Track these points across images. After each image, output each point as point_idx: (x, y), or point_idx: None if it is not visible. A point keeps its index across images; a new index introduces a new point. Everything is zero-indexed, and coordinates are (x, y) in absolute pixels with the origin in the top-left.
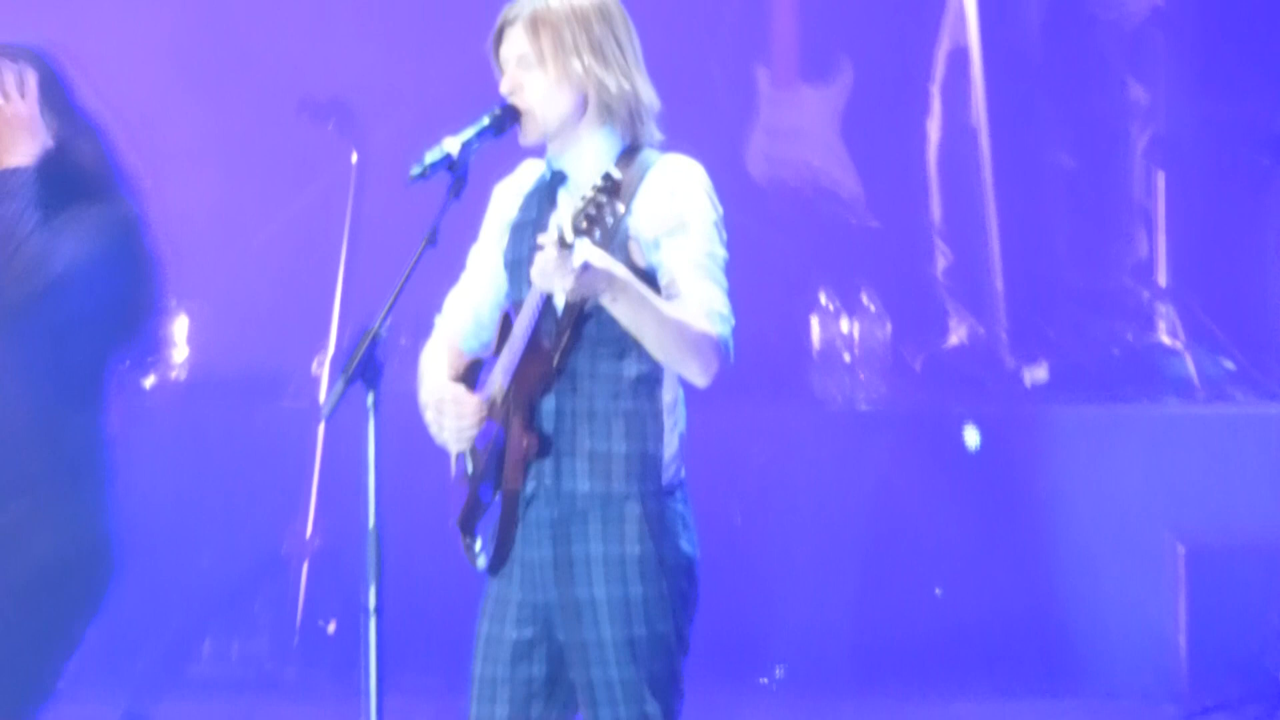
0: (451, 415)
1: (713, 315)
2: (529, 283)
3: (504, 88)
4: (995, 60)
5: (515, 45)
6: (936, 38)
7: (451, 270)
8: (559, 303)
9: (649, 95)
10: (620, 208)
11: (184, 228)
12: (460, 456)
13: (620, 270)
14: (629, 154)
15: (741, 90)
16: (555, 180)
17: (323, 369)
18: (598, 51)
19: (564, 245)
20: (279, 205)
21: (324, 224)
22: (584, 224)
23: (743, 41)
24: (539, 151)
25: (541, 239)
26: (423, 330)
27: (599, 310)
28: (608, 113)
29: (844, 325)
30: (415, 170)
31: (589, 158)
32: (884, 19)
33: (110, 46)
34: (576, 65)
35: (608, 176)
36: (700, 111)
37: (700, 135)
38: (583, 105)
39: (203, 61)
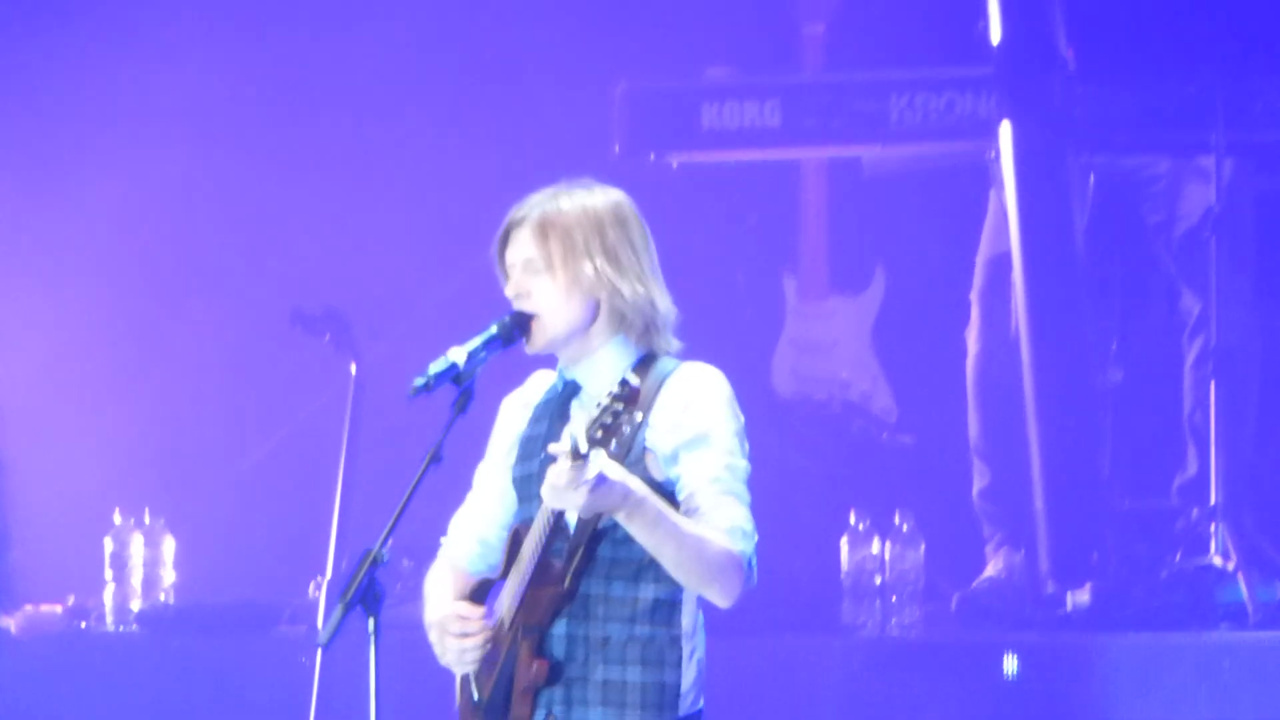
0: (455, 634)
1: (735, 532)
2: (539, 500)
3: (510, 291)
4: (1038, 267)
5: (522, 248)
6: (976, 244)
7: (457, 489)
8: (570, 520)
9: (665, 303)
10: (638, 416)
11: (172, 445)
12: (466, 683)
13: (636, 485)
14: (646, 362)
15: (767, 301)
16: (568, 391)
17: (320, 593)
18: (611, 256)
19: (578, 456)
20: (273, 421)
21: (321, 440)
22: (599, 434)
23: (769, 249)
24: (550, 362)
25: (554, 448)
26: (427, 553)
27: (613, 528)
28: (621, 320)
29: (875, 547)
30: (418, 382)
31: (603, 367)
32: (920, 225)
33: (103, 247)
34: (588, 270)
35: (624, 383)
36: (724, 323)
37: (724, 347)
38: (594, 312)
39: (191, 271)
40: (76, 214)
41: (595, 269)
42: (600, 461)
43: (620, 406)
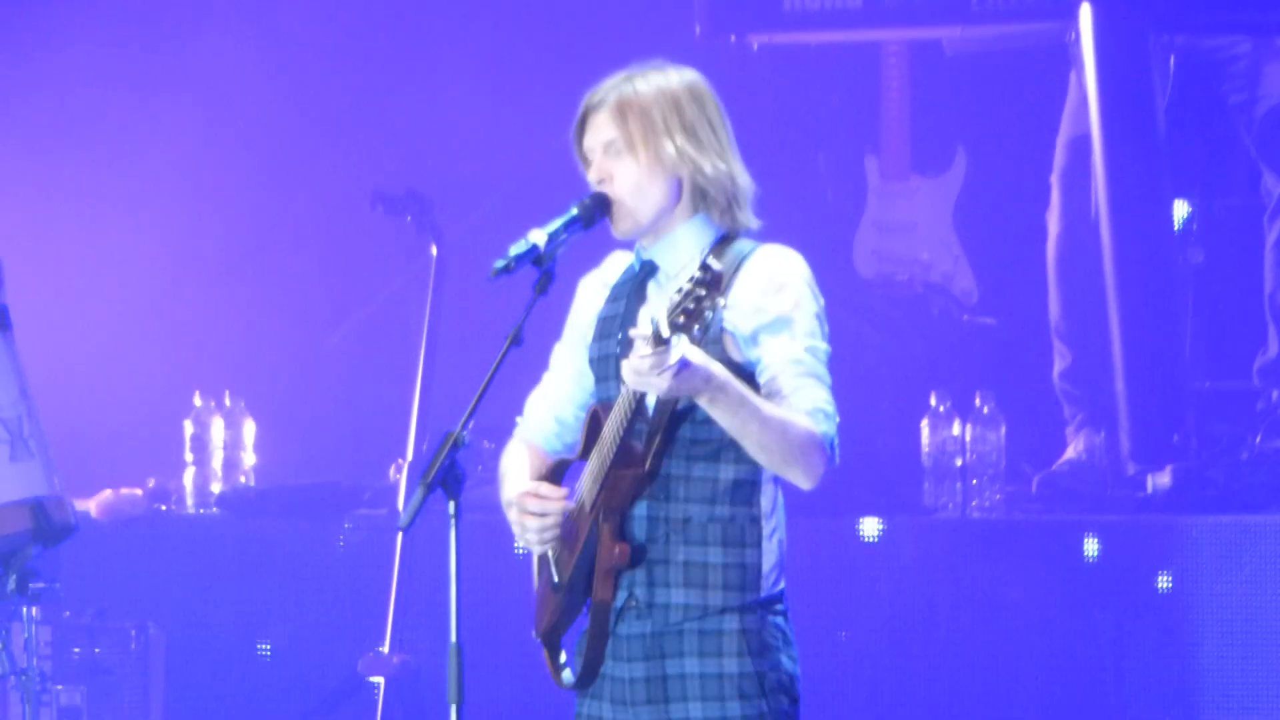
0: (534, 512)
1: (816, 413)
2: (617, 381)
3: (592, 176)
4: (1118, 149)
5: (601, 132)
6: (1056, 126)
7: (538, 371)
8: (651, 402)
9: (745, 179)
10: (720, 301)
11: (252, 328)
12: (545, 565)
13: (718, 369)
14: (724, 243)
15: (849, 181)
16: (645, 272)
17: (401, 476)
18: (690, 133)
19: (659, 341)
20: (354, 303)
21: (402, 322)
22: (681, 319)
23: (851, 130)
24: (626, 243)
25: (634, 333)
26: (507, 434)
27: (694, 410)
28: (703, 198)
29: (956, 429)
30: (499, 264)
31: (682, 247)
32: (1001, 106)
33: (183, 136)
34: (669, 148)
35: (706, 267)
36: (805, 204)
37: (805, 229)
38: (677, 191)
39: (273, 154)
40: (157, 101)
41: (676, 147)
42: (682, 346)
43: (703, 292)
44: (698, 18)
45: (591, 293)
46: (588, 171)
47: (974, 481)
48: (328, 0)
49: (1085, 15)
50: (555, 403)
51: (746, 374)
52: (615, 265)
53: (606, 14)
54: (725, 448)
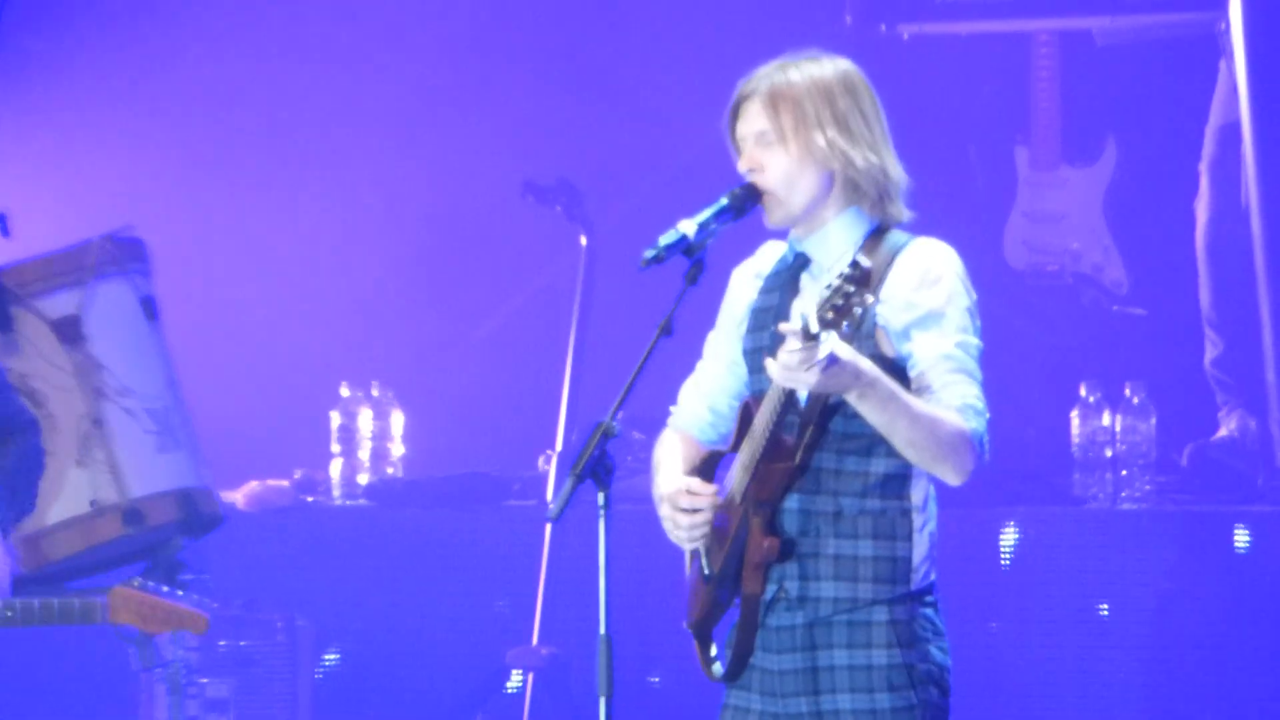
0: (685, 509)
1: (966, 410)
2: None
3: (742, 166)
4: (1269, 136)
5: (753, 121)
6: (1206, 114)
7: (688, 361)
8: (802, 396)
9: (897, 171)
10: (869, 298)
11: (401, 317)
12: (696, 557)
13: (867, 365)
14: (876, 236)
15: (999, 172)
16: (798, 264)
17: (550, 466)
18: (843, 125)
19: (809, 337)
20: (504, 294)
21: (552, 312)
22: (830, 315)
23: (1001, 121)
24: (779, 234)
25: (784, 328)
26: (658, 425)
27: (845, 404)
28: (855, 191)
29: (1106, 419)
30: (649, 254)
31: (835, 239)
32: (1151, 95)
33: (333, 124)
34: (820, 140)
35: (856, 264)
36: (955, 194)
37: (955, 219)
38: (829, 183)
39: (425, 143)
40: (306, 87)
41: (827, 139)
42: (831, 343)
43: (852, 288)
44: (849, 7)
45: (744, 283)
46: (739, 161)
47: (1124, 472)
48: None
49: (1235, 4)
50: (709, 392)
51: (899, 369)
52: (768, 255)
53: (759, 3)
54: (877, 442)
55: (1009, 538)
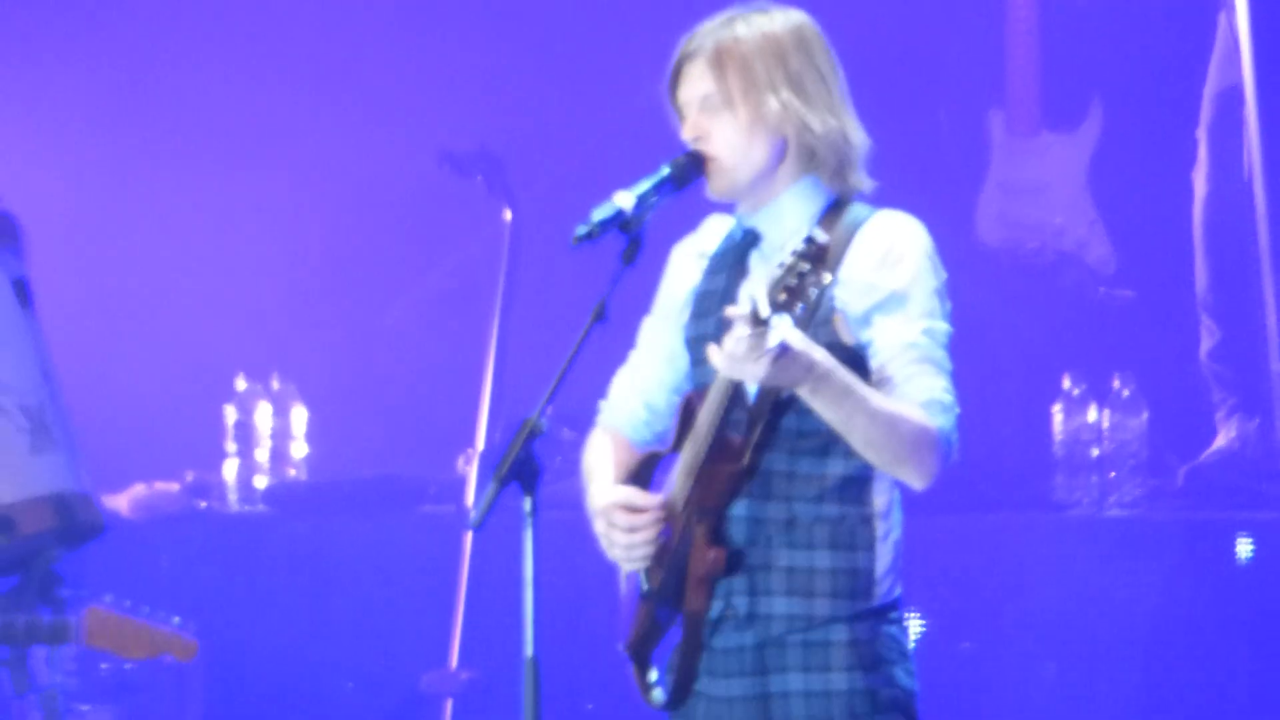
0: (623, 527)
1: (932, 405)
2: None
3: (686, 133)
4: (1275, 100)
5: (697, 84)
6: (1204, 76)
7: (624, 351)
8: (750, 389)
9: (859, 136)
10: (825, 277)
11: (303, 301)
12: (633, 571)
13: (821, 356)
14: (835, 209)
15: (971, 138)
16: (747, 241)
17: (470, 468)
18: (797, 86)
19: (758, 322)
20: (418, 275)
21: (472, 295)
22: (782, 297)
23: (973, 80)
24: (726, 207)
25: (730, 312)
26: (590, 423)
27: (798, 398)
28: (811, 158)
29: (1091, 415)
30: (581, 231)
31: (788, 213)
32: (1141, 53)
33: (219, 91)
34: (772, 103)
35: (810, 240)
36: (923, 163)
37: (922, 190)
38: (781, 150)
39: (327, 108)
40: (199, 61)
41: (780, 102)
42: (783, 328)
43: (806, 266)
44: None
45: (686, 263)
46: (682, 127)
47: (1112, 474)
48: None
49: None
50: (645, 386)
51: (858, 358)
52: (713, 232)
53: None
54: (835, 440)
55: (983, 548)
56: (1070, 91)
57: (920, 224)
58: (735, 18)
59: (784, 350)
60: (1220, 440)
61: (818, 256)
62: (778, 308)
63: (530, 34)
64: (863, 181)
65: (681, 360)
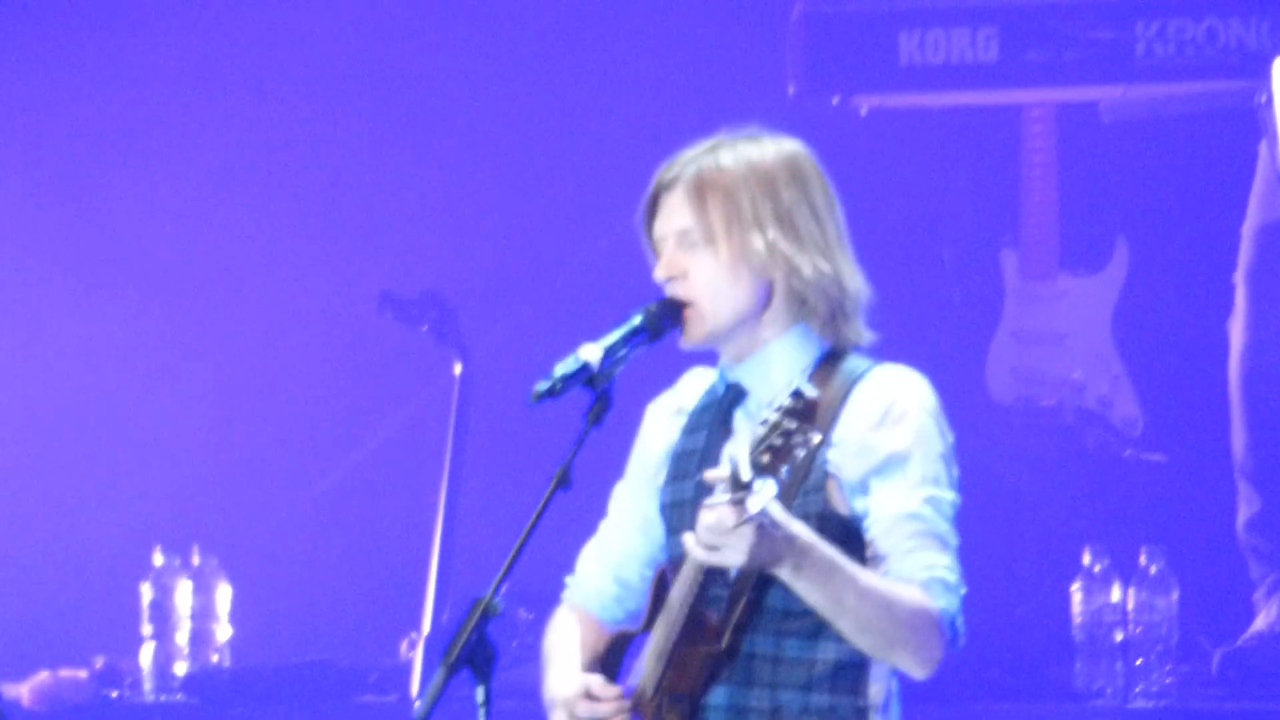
0: (584, 718)
1: (933, 585)
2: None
3: (660, 273)
4: None
5: (675, 217)
6: (1241, 211)
7: (590, 521)
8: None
9: (856, 282)
10: (815, 437)
11: (229, 466)
12: None
13: (800, 530)
14: (828, 362)
15: (982, 281)
16: (730, 396)
17: (416, 653)
18: (786, 224)
19: (738, 486)
20: (356, 435)
21: (417, 458)
22: (765, 458)
23: (984, 217)
24: (707, 358)
25: (709, 476)
26: (551, 602)
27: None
28: (800, 306)
29: (1115, 594)
30: (542, 387)
31: (776, 366)
32: (1172, 186)
33: (145, 227)
34: (758, 243)
35: (798, 394)
36: (927, 310)
37: (926, 342)
38: (766, 295)
39: (259, 249)
40: (113, 195)
41: (767, 241)
42: (766, 493)
43: (793, 424)
44: (792, 74)
45: (662, 421)
46: (656, 267)
47: (1139, 661)
48: (329, 69)
49: (1279, 72)
50: (616, 559)
51: (855, 530)
52: (693, 387)
53: (678, 69)
54: (826, 623)
55: None
56: (1092, 230)
57: (924, 379)
58: (720, 144)
59: (767, 522)
60: (1259, 622)
61: (806, 413)
62: (760, 470)
63: (483, 163)
64: (860, 333)
65: (656, 530)
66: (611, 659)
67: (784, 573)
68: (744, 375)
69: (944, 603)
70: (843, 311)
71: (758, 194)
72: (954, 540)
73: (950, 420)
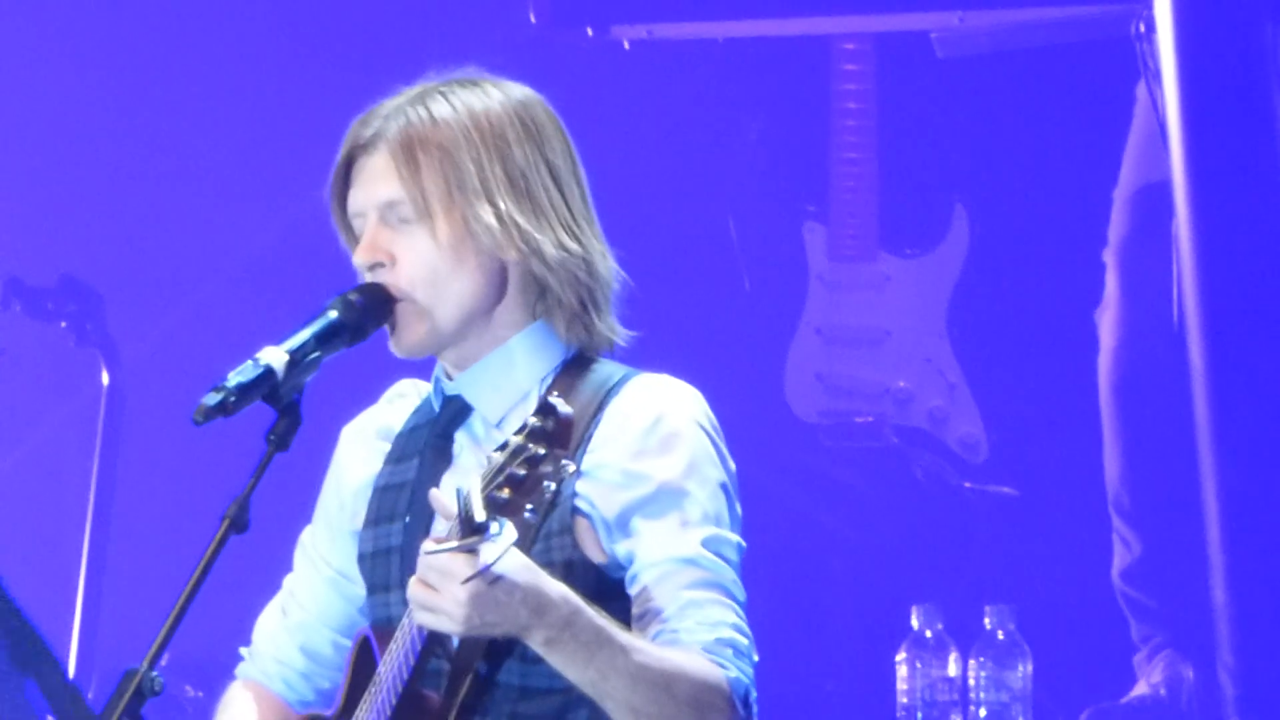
0: None
1: (720, 649)
2: (404, 592)
3: (361, 257)
4: (1215, 207)
5: (378, 186)
6: (1113, 172)
7: (275, 572)
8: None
9: (607, 264)
10: (569, 467)
11: None
12: None
13: (556, 591)
14: (573, 369)
15: (778, 263)
16: (449, 414)
17: None
18: (520, 190)
19: (470, 530)
20: None
21: (53, 490)
22: (505, 493)
23: (781, 180)
24: (419, 365)
25: (436, 504)
26: (225, 676)
27: (524, 644)
28: (540, 296)
29: (953, 667)
30: (212, 401)
31: (509, 375)
32: (1023, 140)
33: None
34: (487, 215)
35: (548, 410)
36: (705, 301)
37: (705, 342)
38: (499, 283)
39: None
40: None
41: (498, 213)
42: (506, 542)
43: (540, 449)
44: (532, 1)
45: (361, 448)
46: (353, 250)
47: None
48: None
49: None
50: (301, 623)
51: (612, 582)
52: (399, 405)
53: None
54: (575, 704)
55: None
56: (921, 197)
57: (695, 392)
58: (430, 92)
59: (498, 582)
60: (1141, 687)
61: (558, 436)
62: (499, 509)
63: (132, 118)
64: (614, 329)
65: (353, 586)
66: None
67: (535, 642)
68: (467, 387)
69: (735, 671)
70: (592, 302)
71: (484, 153)
72: (741, 594)
73: (735, 443)
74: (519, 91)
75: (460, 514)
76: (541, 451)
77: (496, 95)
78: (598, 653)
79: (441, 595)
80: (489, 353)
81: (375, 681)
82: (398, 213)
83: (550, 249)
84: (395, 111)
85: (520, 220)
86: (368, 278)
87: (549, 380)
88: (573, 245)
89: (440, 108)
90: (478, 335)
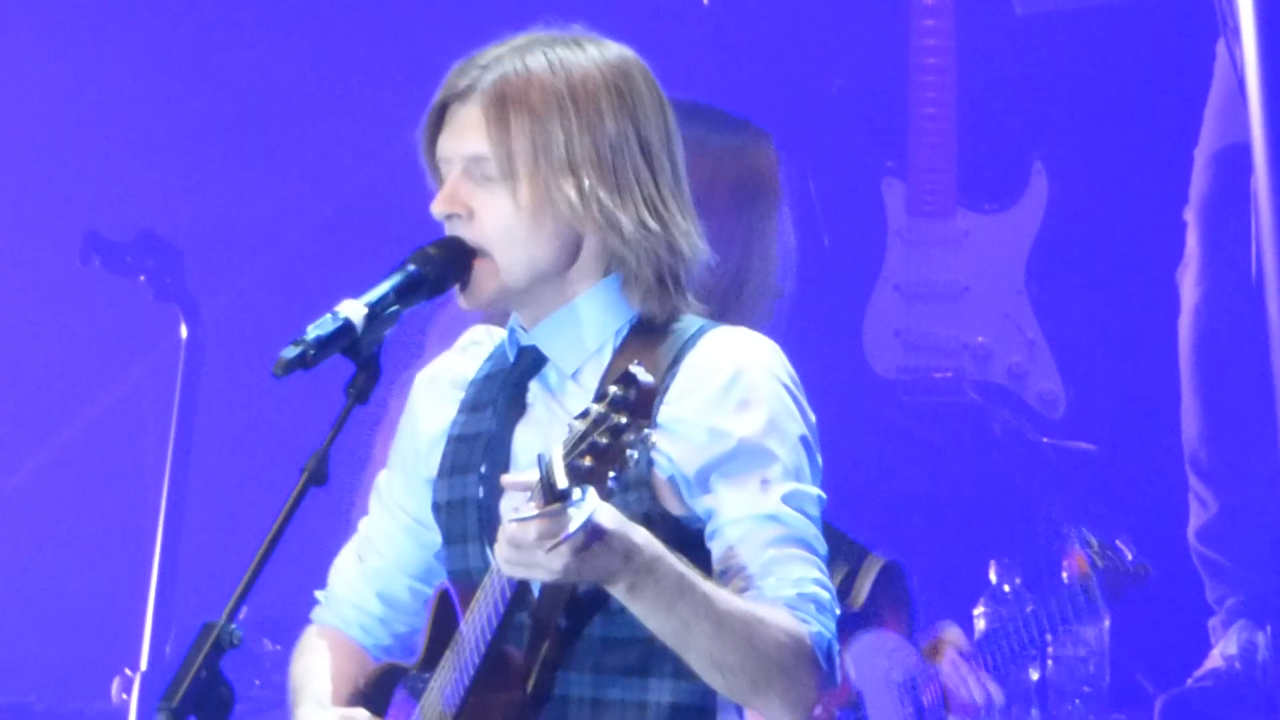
0: None
1: (803, 604)
2: (483, 544)
3: (439, 207)
4: None
5: (467, 138)
6: (1194, 132)
7: (352, 526)
8: (538, 585)
9: (691, 241)
10: (650, 435)
11: None
12: None
13: (643, 539)
14: (649, 323)
15: (857, 220)
16: (524, 365)
17: (131, 696)
18: (607, 166)
19: (553, 496)
20: (55, 416)
21: (132, 445)
22: (588, 461)
23: (860, 137)
24: (492, 315)
25: (507, 481)
26: (302, 628)
27: (606, 595)
28: (618, 266)
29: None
30: (291, 354)
31: (583, 328)
32: (1104, 98)
33: None
34: (569, 189)
35: (629, 380)
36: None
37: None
38: (573, 251)
39: None
40: None
41: (580, 190)
42: (590, 504)
43: (623, 418)
44: None
45: (435, 396)
46: (435, 198)
47: (1073, 704)
48: None
49: None
50: (378, 570)
51: (691, 536)
52: (472, 353)
53: None
54: (658, 655)
55: None
56: (1001, 154)
57: (773, 344)
58: (533, 45)
59: (595, 534)
60: (1215, 656)
61: (640, 405)
62: (581, 477)
63: (211, 71)
64: (689, 304)
65: (430, 534)
66: (378, 696)
67: (618, 590)
68: (542, 338)
69: (818, 626)
70: (673, 279)
71: (575, 122)
72: (823, 548)
73: (815, 398)
74: (621, 56)
75: (542, 479)
76: (624, 421)
77: (597, 58)
78: (680, 600)
79: (530, 560)
80: (562, 308)
81: (457, 639)
82: (482, 169)
83: (629, 227)
84: (494, 62)
85: (602, 196)
86: (445, 226)
87: (624, 333)
88: (653, 224)
89: (538, 66)
90: (549, 293)
